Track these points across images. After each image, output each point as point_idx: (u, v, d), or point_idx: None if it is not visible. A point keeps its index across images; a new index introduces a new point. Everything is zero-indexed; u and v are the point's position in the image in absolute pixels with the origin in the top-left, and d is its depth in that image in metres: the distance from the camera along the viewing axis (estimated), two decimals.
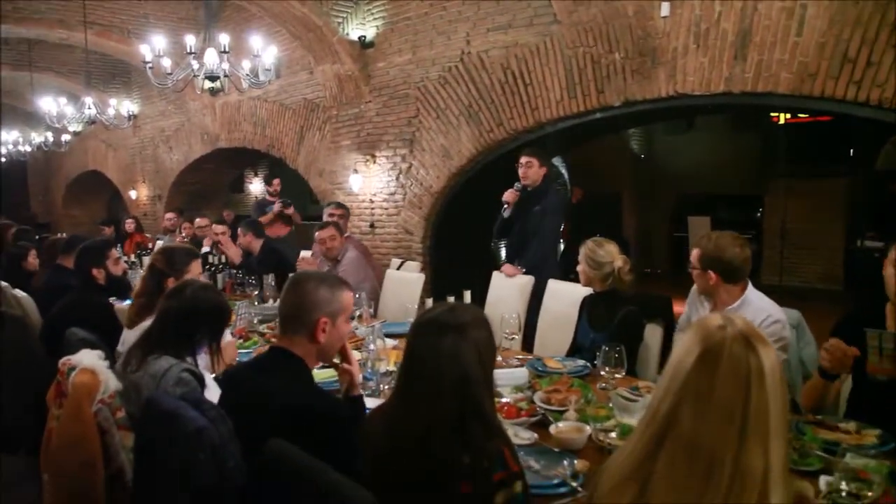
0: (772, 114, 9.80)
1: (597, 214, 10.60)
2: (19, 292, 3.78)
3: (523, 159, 4.36)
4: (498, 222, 4.60)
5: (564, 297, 3.64)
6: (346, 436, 1.64)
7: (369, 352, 2.70)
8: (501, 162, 6.10)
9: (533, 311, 3.90)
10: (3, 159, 12.50)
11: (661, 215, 11.73)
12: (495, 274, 4.43)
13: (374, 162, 6.83)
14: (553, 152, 4.65)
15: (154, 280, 2.75)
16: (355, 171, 6.96)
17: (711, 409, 1.10)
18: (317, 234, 4.62)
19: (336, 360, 2.07)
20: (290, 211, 6.95)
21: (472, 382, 1.46)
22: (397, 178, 6.64)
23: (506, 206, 4.43)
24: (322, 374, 2.75)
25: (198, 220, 7.18)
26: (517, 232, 4.45)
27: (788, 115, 9.89)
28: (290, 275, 2.02)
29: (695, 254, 2.60)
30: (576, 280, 3.49)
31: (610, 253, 2.97)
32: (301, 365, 1.86)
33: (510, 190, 4.42)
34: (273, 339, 3.23)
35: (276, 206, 6.76)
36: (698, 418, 1.10)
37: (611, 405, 2.20)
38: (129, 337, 2.61)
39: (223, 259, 5.52)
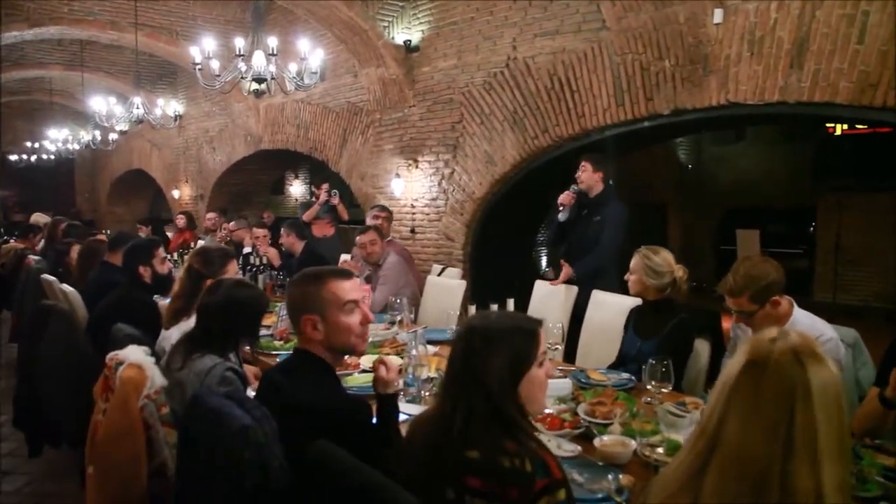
0: (827, 124, 9.57)
1: (641, 226, 10.49)
2: (67, 287, 3.89)
3: (581, 163, 4.42)
4: (552, 227, 4.63)
5: (609, 308, 3.61)
6: (362, 437, 1.67)
7: (411, 357, 2.71)
8: (545, 169, 6.10)
9: (577, 321, 3.88)
10: (53, 157, 12.93)
11: (708, 228, 11.55)
12: (538, 283, 4.42)
13: (417, 167, 6.87)
14: (607, 159, 4.60)
15: (192, 281, 2.78)
16: (397, 175, 7.01)
17: (756, 421, 1.09)
18: (358, 237, 4.65)
19: (373, 360, 2.07)
20: (337, 201, 7.03)
21: (505, 388, 1.47)
22: (439, 184, 6.67)
23: (561, 208, 4.44)
24: (360, 380, 2.77)
25: (231, 223, 7.32)
26: (574, 241, 4.45)
27: (845, 126, 9.65)
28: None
29: (724, 288, 2.55)
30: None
31: (667, 261, 2.96)
32: (322, 364, 1.86)
33: (566, 192, 4.44)
34: None
35: (322, 195, 6.85)
36: (744, 430, 1.10)
37: (657, 420, 2.17)
38: (167, 336, 2.64)
39: (264, 260, 5.61)
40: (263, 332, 3.56)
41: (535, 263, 9.18)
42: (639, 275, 2.96)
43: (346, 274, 1.92)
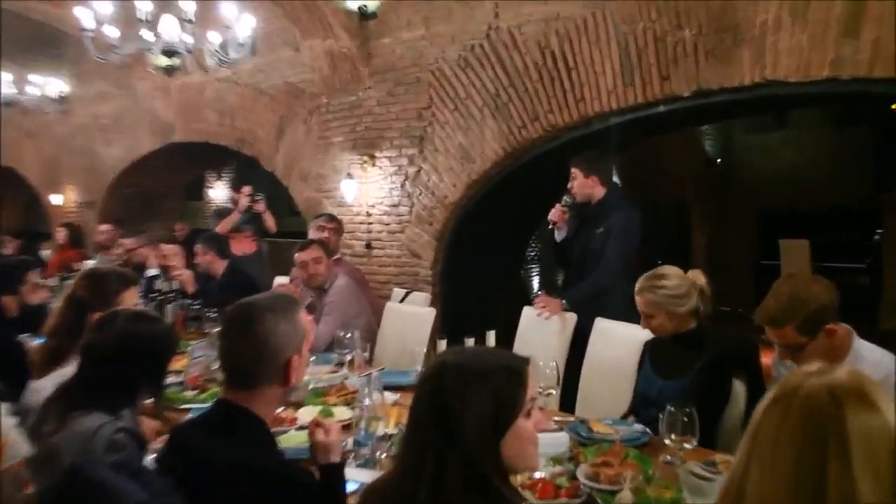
0: (893, 105, 9.75)
1: (655, 235, 10.65)
2: None
3: (571, 170, 4.59)
4: (552, 250, 4.92)
5: (618, 340, 3.63)
6: None
7: (363, 409, 2.69)
8: (537, 167, 6.15)
9: (576, 359, 3.91)
10: None
11: (743, 237, 11.75)
12: (526, 310, 4.45)
13: (374, 164, 6.88)
14: (605, 157, 4.73)
15: (74, 314, 2.71)
16: (349, 175, 7.03)
17: (778, 470, 1.12)
18: (297, 254, 4.63)
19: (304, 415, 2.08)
20: (262, 208, 6.96)
21: (484, 446, 1.49)
22: (402, 186, 6.70)
23: (552, 226, 4.69)
24: (297, 438, 2.74)
25: (131, 239, 7.22)
26: (575, 261, 4.62)
27: None
28: (227, 308, 1.99)
29: (764, 316, 2.57)
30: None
31: (678, 275, 2.99)
32: (261, 427, 1.90)
33: (556, 206, 4.67)
34: None
35: (242, 200, 6.77)
36: (765, 480, 1.13)
37: (678, 485, 2.18)
38: (38, 388, 2.55)
39: (175, 285, 5.56)
40: (171, 379, 3.50)
41: (525, 286, 9.21)
42: (661, 315, 2.97)
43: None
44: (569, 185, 4.57)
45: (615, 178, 10.69)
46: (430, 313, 4.68)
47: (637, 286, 3.03)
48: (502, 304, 6.85)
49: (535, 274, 11.42)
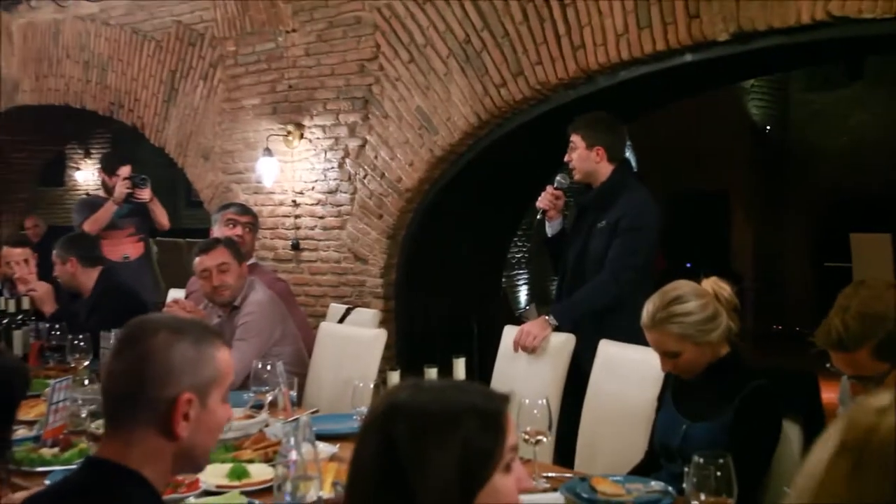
0: None
1: (685, 230, 10.96)
2: None
3: (569, 138, 4.62)
4: (545, 247, 5.01)
5: (630, 372, 3.69)
6: None
7: (289, 465, 2.71)
8: (522, 139, 6.24)
9: (574, 395, 3.98)
10: None
11: (800, 230, 11.92)
12: (509, 332, 4.49)
13: (302, 136, 6.94)
14: (614, 124, 4.76)
15: None
16: (268, 151, 7.06)
17: None
18: (197, 259, 4.63)
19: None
20: (147, 196, 6.69)
21: None
22: (341, 166, 6.76)
23: (541, 215, 4.76)
24: None
25: None
26: (570, 265, 4.66)
27: None
28: (125, 326, 2.01)
29: (826, 337, 2.61)
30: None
31: (697, 291, 3.05)
32: (144, 493, 1.87)
33: (548, 189, 4.69)
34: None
35: (119, 186, 6.54)
36: None
37: None
38: None
39: (25, 304, 5.49)
40: (21, 432, 3.49)
41: (508, 298, 9.29)
42: (688, 350, 3.01)
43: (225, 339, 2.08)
44: (566, 159, 4.62)
45: (628, 154, 10.80)
46: (378, 337, 4.71)
47: (646, 318, 3.04)
48: (477, 323, 6.94)
49: (521, 282, 11.50)
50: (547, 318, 4.34)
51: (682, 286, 3.04)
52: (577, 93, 5.72)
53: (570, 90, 5.73)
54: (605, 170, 4.54)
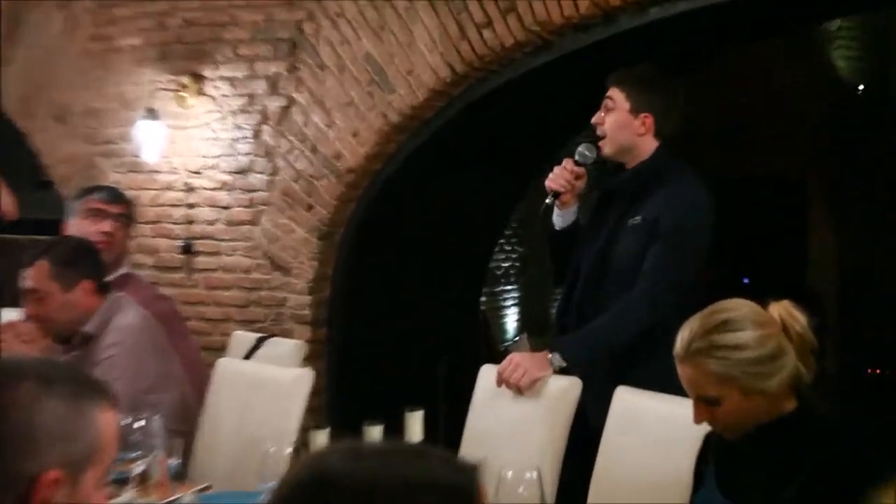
0: None
1: (742, 232, 11.05)
2: None
3: (607, 91, 4.65)
4: (549, 244, 5.01)
5: (658, 431, 3.80)
6: None
7: None
8: (515, 103, 6.46)
9: (579, 462, 4.10)
10: None
11: None
12: (485, 372, 4.57)
13: (201, 93, 7.04)
14: (662, 84, 4.84)
15: None
16: (151, 112, 7.12)
17: None
18: (27, 271, 4.57)
19: None
20: None
21: None
22: (257, 136, 6.88)
23: (551, 199, 4.67)
24: None
25: None
26: (589, 270, 4.66)
27: None
28: None
29: None
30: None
31: (755, 318, 3.03)
32: None
33: (566, 163, 4.66)
34: None
35: None
36: None
37: None
38: None
39: None
40: None
41: (490, 325, 9.43)
42: (733, 397, 2.95)
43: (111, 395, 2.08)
44: (595, 120, 4.63)
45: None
46: (301, 379, 4.69)
47: (679, 347, 3.01)
48: (445, 360, 7.04)
49: (509, 302, 11.51)
50: (550, 355, 4.32)
51: (737, 307, 3.01)
52: (589, 37, 5.84)
53: (581, 33, 5.84)
54: (647, 146, 4.57)
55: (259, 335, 5.99)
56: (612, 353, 4.41)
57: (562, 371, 4.32)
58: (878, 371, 11.19)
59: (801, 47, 11.37)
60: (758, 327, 2.98)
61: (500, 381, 4.33)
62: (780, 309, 3.03)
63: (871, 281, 12.00)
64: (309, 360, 5.90)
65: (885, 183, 12.05)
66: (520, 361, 4.33)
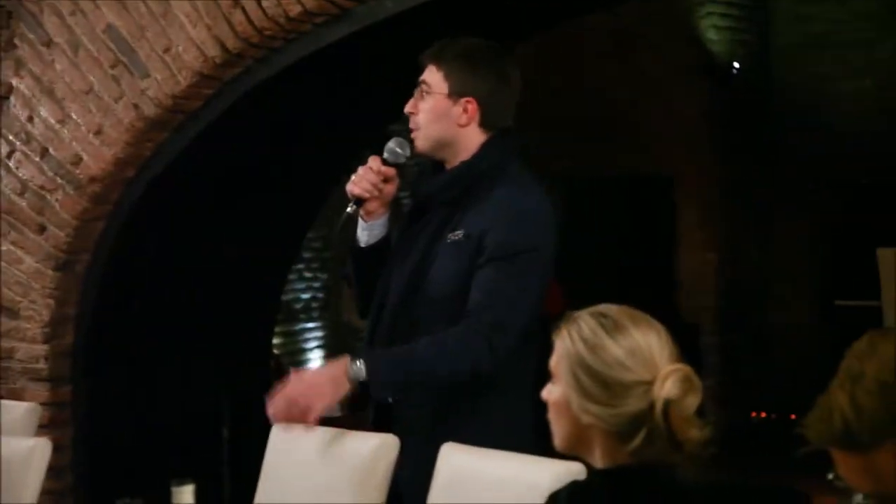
0: None
1: (600, 244, 11.11)
2: None
3: (423, 74, 4.54)
4: (345, 267, 4.96)
5: (485, 493, 3.73)
6: None
7: None
8: (306, 88, 6.32)
9: None
10: None
11: (795, 243, 12.13)
12: (278, 430, 4.47)
13: None
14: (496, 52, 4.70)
15: None
16: None
17: None
18: None
19: None
20: None
21: None
22: None
23: (353, 208, 4.54)
24: None
25: None
26: (395, 291, 4.55)
27: None
28: None
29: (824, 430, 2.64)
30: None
31: (638, 350, 3.01)
32: None
33: (371, 161, 4.51)
34: None
35: None
36: None
37: None
38: None
39: None
40: None
41: (287, 371, 9.33)
42: (563, 390, 3.00)
43: None
44: (408, 109, 4.55)
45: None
46: (36, 452, 4.62)
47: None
48: (228, 418, 6.89)
49: (311, 343, 11.54)
50: (349, 363, 4.15)
51: (637, 325, 3.02)
52: (397, 4, 5.72)
53: (389, 1, 5.74)
54: (472, 140, 4.46)
55: None
56: (427, 388, 4.27)
57: (360, 388, 4.15)
58: (762, 414, 11.30)
59: (664, 16, 11.46)
60: (630, 356, 2.99)
61: (275, 414, 4.14)
62: (673, 371, 2.97)
63: (755, 302, 12.23)
64: (48, 427, 5.80)
65: (765, 182, 12.27)
66: (298, 392, 4.12)
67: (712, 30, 12.15)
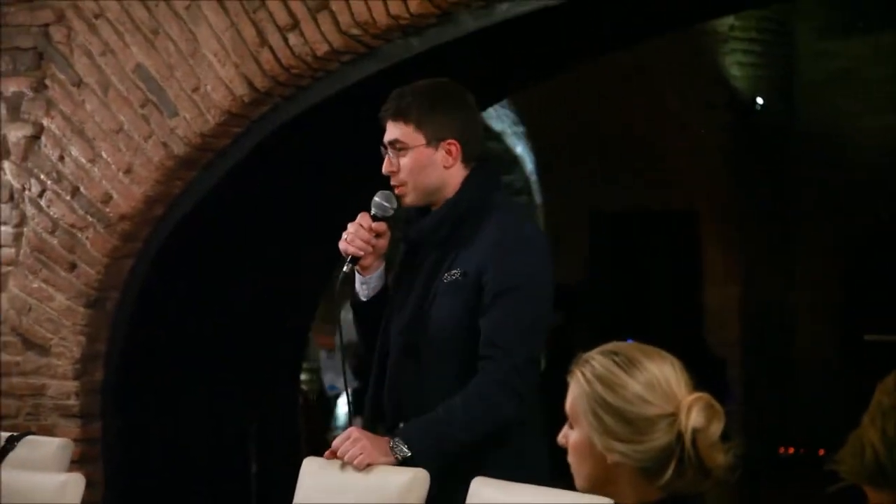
0: None
1: (621, 279, 10.86)
2: None
3: (387, 133, 4.50)
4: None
5: None
6: None
7: None
8: (333, 125, 6.36)
9: None
10: None
11: (821, 277, 12.05)
12: (308, 467, 4.45)
13: None
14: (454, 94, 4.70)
15: None
16: None
17: None
18: None
19: None
20: None
21: None
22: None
23: (349, 267, 4.52)
24: None
25: None
26: (396, 341, 4.56)
27: None
28: None
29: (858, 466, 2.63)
30: None
31: (656, 383, 3.00)
32: None
33: (360, 220, 4.50)
34: None
35: None
36: None
37: None
38: None
39: None
40: None
41: (316, 410, 9.38)
42: (583, 429, 2.99)
43: None
44: (386, 170, 4.53)
45: (518, 148, 10.77)
46: (69, 487, 4.57)
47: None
48: (256, 455, 6.88)
49: (340, 388, 11.46)
50: (392, 443, 4.22)
51: (651, 360, 2.99)
52: (423, 42, 5.79)
53: (413, 38, 5.79)
54: (455, 177, 4.47)
55: (9, 434, 5.68)
56: (464, 447, 4.24)
57: (405, 462, 4.20)
58: (790, 450, 11.23)
59: (688, 51, 11.45)
60: (648, 376, 2.99)
61: (333, 454, 4.21)
62: (694, 402, 2.94)
63: (779, 336, 12.16)
64: (79, 463, 5.75)
65: (791, 216, 12.22)
66: (360, 437, 4.23)
67: (736, 67, 12.15)
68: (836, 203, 12.09)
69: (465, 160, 4.45)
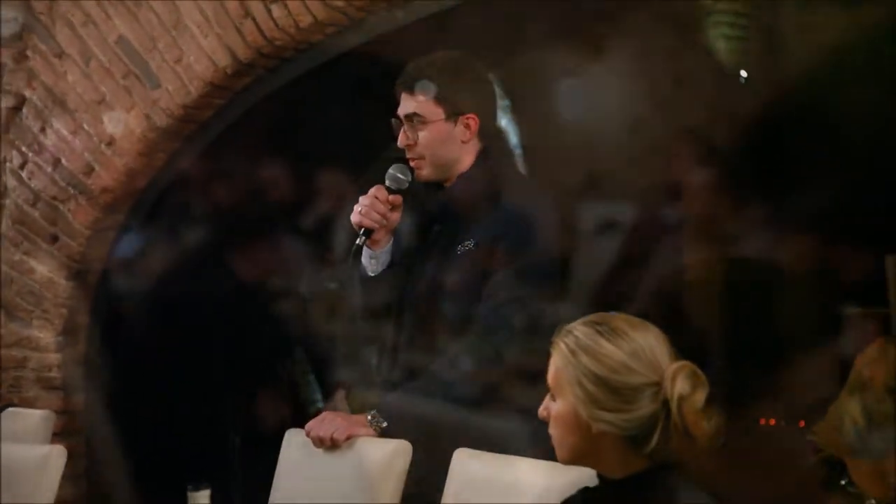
0: None
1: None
2: None
3: (402, 106, 4.52)
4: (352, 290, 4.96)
5: (500, 497, 3.73)
6: None
7: None
8: (322, 98, 6.39)
9: None
10: None
11: (799, 244, 12.10)
12: (291, 437, 4.52)
13: None
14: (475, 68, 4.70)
15: None
16: None
17: None
18: None
19: None
20: None
21: None
22: None
23: (363, 240, 4.54)
24: None
25: None
26: (410, 312, 4.64)
27: None
28: None
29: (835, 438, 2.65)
30: None
31: (642, 351, 3.06)
32: None
33: (374, 193, 4.53)
34: None
35: None
36: None
37: None
38: None
39: None
40: None
41: (300, 386, 9.37)
42: (567, 400, 3.05)
43: None
44: (401, 143, 4.57)
45: (503, 120, 10.80)
46: (51, 459, 4.62)
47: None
48: (240, 426, 6.89)
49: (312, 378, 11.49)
50: (370, 416, 4.27)
51: (635, 329, 3.06)
52: (408, 14, 5.76)
53: (398, 10, 5.74)
54: (470, 151, 4.51)
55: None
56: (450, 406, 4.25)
57: (384, 434, 4.26)
58: (772, 422, 11.26)
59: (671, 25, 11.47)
60: (633, 358, 3.04)
61: (309, 435, 4.30)
62: (679, 371, 3.01)
63: (761, 310, 12.20)
64: (61, 435, 5.78)
65: (773, 199, 12.26)
66: (334, 416, 4.33)
67: (722, 38, 12.17)
68: (818, 174, 12.14)
69: (481, 134, 4.48)
